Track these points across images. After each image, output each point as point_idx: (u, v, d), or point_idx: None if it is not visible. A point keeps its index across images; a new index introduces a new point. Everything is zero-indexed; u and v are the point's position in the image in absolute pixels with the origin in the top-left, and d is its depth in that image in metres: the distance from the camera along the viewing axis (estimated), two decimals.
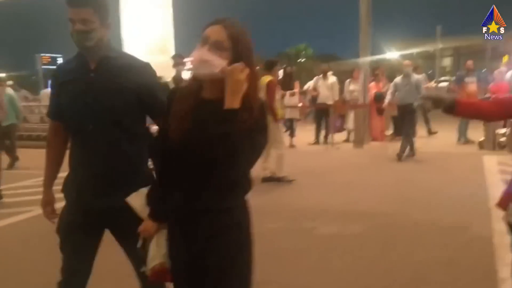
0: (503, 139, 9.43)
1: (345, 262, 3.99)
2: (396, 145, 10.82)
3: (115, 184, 2.23)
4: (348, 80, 12.35)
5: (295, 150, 10.51)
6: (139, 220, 1.99)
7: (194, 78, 1.76)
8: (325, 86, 11.36)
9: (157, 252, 1.84)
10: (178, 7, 17.23)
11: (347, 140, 11.69)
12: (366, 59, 11.57)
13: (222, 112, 1.62)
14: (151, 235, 1.86)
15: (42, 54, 47.72)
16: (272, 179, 7.13)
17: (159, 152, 1.88)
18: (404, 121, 9.08)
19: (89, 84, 2.22)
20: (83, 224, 2.27)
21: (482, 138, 9.86)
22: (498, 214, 4.89)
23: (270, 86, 7.06)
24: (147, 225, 1.87)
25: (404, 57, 43.75)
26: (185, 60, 7.98)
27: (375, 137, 11.56)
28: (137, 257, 2.25)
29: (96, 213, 2.24)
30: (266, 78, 7.14)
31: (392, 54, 42.47)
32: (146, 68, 2.34)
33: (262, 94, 6.97)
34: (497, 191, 6.04)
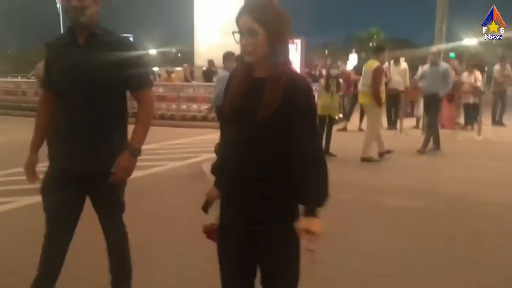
0: None
1: (407, 230, 4.57)
2: (465, 134, 11.01)
3: (94, 151, 2.48)
4: (421, 67, 12.50)
5: (363, 133, 10.92)
6: (114, 189, 2.47)
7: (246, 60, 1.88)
8: (397, 72, 11.58)
9: (211, 214, 2.05)
10: None
11: (416, 127, 11.91)
12: (441, 46, 11.67)
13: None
14: (213, 199, 2.05)
15: None
16: (371, 159, 7.67)
17: (221, 126, 2.13)
18: (430, 111, 8.73)
19: (77, 59, 2.44)
20: (65, 185, 2.51)
21: None
22: None
23: (376, 71, 7.51)
24: (210, 190, 2.07)
25: (482, 44, 41.89)
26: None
27: (444, 124, 11.70)
28: (111, 226, 2.65)
29: (76, 176, 2.50)
30: (373, 63, 7.66)
31: (470, 41, 40.69)
32: (127, 43, 2.58)
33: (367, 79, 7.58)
34: None
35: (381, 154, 7.78)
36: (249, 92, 1.85)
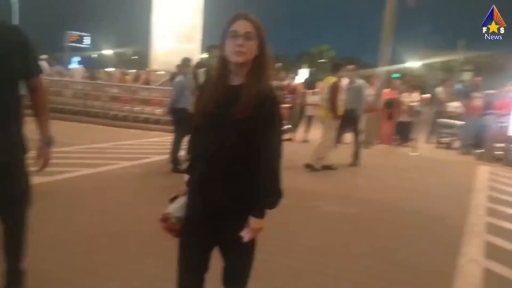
0: (499, 152, 10.25)
1: (339, 233, 4.96)
2: (401, 149, 11.75)
3: None
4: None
5: (308, 144, 11.39)
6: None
7: (222, 66, 2.03)
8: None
9: (172, 206, 2.17)
10: None
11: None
12: (384, 68, 12.43)
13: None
14: (181, 194, 2.19)
15: (69, 32, 48.00)
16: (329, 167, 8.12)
17: (191, 129, 2.23)
18: (349, 127, 9.04)
19: None
20: None
21: (481, 150, 10.70)
22: (475, 211, 5.87)
23: (333, 87, 8.00)
24: (181, 188, 2.20)
25: (425, 67, 44.34)
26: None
27: (383, 140, 12.44)
28: (12, 216, 2.59)
29: None
30: (330, 79, 8.13)
31: (413, 64, 42.95)
32: (17, 32, 2.52)
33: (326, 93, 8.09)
34: (480, 193, 6.98)
35: (325, 167, 8.22)
36: (224, 98, 2.01)
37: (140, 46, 44.17)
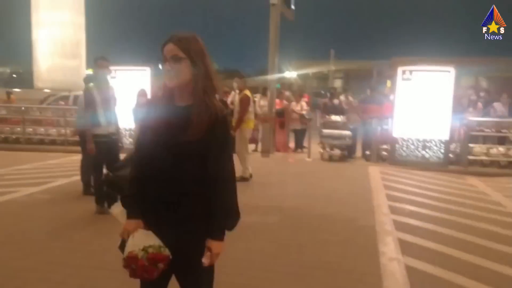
0: (384, 153, 11.15)
1: (262, 244, 4.95)
2: (296, 156, 12.22)
3: None
4: (258, 96, 13.57)
5: None
6: None
7: (166, 87, 2.00)
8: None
9: (131, 243, 1.96)
10: (90, 12, 17.30)
11: (255, 150, 12.77)
12: (273, 77, 12.84)
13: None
14: (130, 233, 2.00)
15: None
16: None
17: (135, 160, 2.12)
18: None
19: None
20: None
21: (367, 152, 11.53)
22: (380, 210, 6.26)
23: (244, 99, 8.28)
24: (126, 225, 2.02)
25: (300, 76, 46.93)
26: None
27: (278, 148, 12.83)
28: None
29: None
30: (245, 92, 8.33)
31: (290, 74, 45.18)
32: None
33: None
34: (379, 193, 7.50)
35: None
36: (173, 119, 1.97)
37: (18, 64, 40.78)
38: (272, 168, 9.96)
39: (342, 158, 11.16)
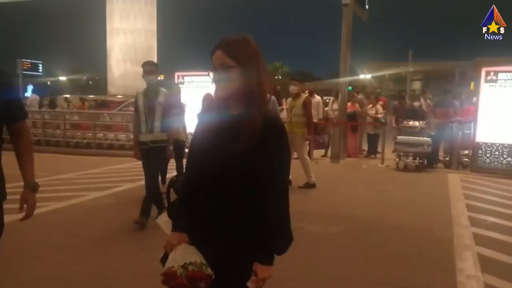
0: (466, 159, 10.41)
1: (329, 255, 4.72)
2: (369, 162, 11.75)
3: None
4: (331, 99, 13.25)
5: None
6: None
7: (218, 96, 1.87)
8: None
9: (172, 258, 1.86)
10: (161, 19, 17.82)
11: (325, 155, 12.48)
12: (345, 80, 12.48)
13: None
14: (173, 247, 1.90)
15: (23, 60, 47.31)
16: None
17: (186, 168, 2.03)
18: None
19: None
20: None
21: (447, 158, 10.84)
22: (458, 221, 5.80)
23: (307, 103, 8.00)
24: (170, 238, 1.93)
25: (375, 78, 45.63)
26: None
27: (350, 153, 12.43)
28: None
29: None
30: (302, 95, 8.11)
31: (364, 76, 44.08)
32: (1, 74, 2.40)
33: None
34: (458, 202, 6.96)
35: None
36: (225, 128, 1.85)
37: (94, 71, 43.53)
38: (341, 174, 9.63)
39: (420, 168, 10.29)
